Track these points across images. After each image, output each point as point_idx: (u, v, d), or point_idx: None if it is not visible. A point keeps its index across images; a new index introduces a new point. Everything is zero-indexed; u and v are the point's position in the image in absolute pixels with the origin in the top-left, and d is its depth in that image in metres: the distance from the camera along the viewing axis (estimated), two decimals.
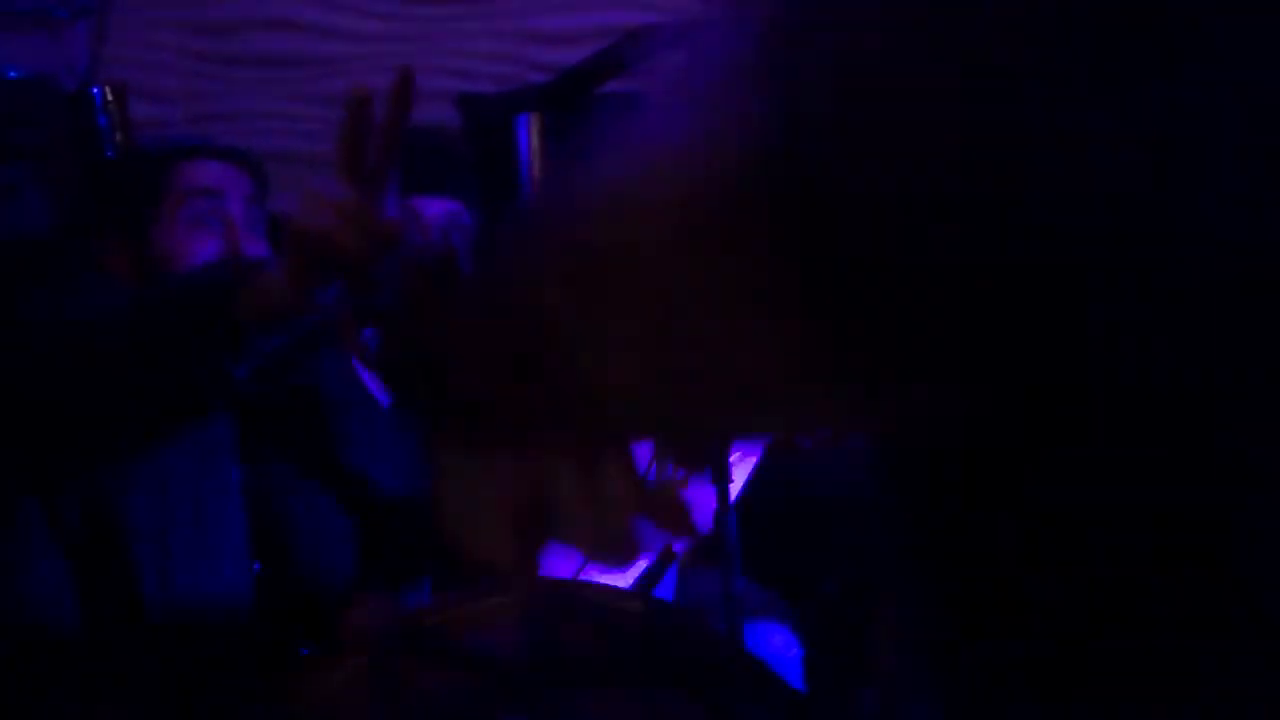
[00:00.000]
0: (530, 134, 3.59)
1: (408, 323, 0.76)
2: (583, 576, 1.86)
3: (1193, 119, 0.49)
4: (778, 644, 1.81)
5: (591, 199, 0.51)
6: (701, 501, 1.95)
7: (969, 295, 0.50)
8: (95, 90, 3.25)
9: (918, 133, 0.45)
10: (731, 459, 2.01)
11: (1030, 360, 0.58)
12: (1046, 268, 0.48)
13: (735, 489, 2.00)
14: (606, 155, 0.52)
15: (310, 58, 3.92)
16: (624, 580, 1.89)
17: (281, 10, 3.89)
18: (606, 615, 0.97)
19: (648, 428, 0.56)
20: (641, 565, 1.91)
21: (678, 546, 1.93)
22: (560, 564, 1.84)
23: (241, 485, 1.67)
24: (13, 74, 2.87)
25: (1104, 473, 0.74)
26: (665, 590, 1.95)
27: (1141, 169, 0.47)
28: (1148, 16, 0.50)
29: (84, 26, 3.43)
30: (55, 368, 1.31)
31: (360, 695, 1.31)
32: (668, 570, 1.91)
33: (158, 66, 3.84)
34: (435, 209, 1.90)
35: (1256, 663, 0.71)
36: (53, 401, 1.32)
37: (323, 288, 1.24)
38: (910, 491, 0.79)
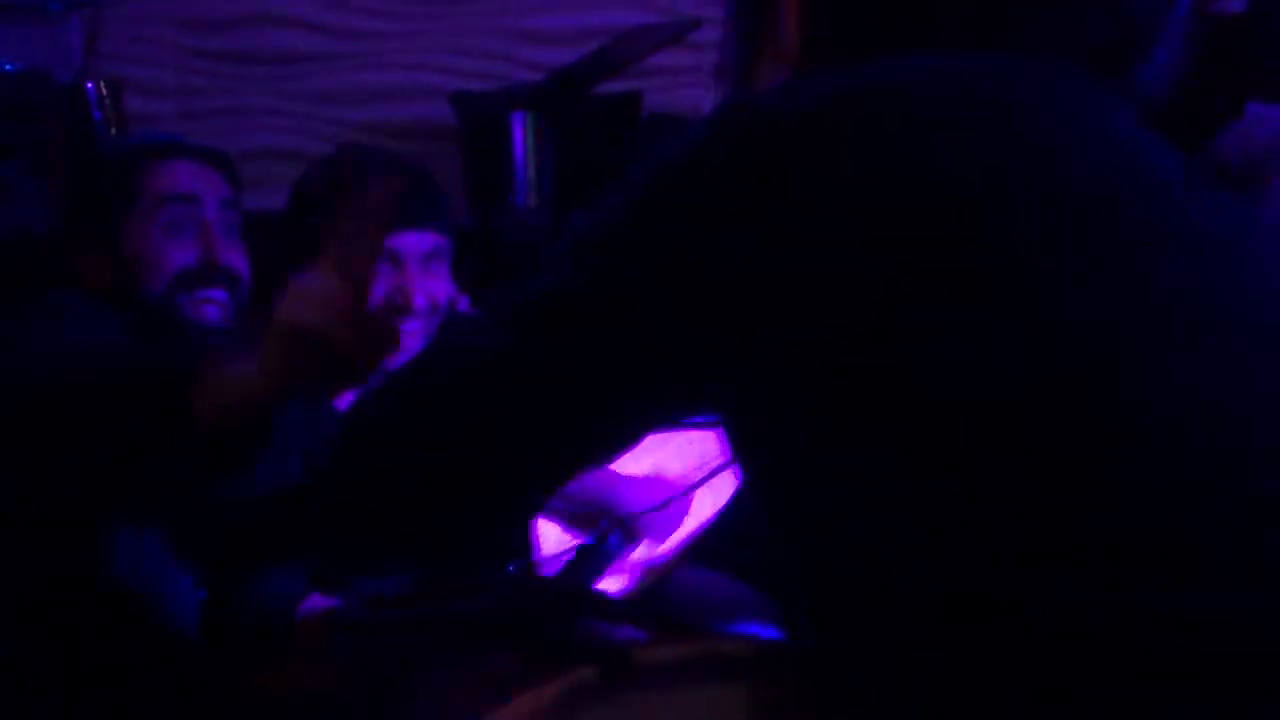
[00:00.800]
0: (524, 132, 3.61)
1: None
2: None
3: None
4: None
5: None
6: (697, 509, 1.96)
7: None
8: (89, 85, 3.25)
9: None
10: (717, 471, 2.01)
11: None
12: None
13: (723, 498, 2.01)
14: None
15: (303, 54, 3.92)
16: (556, 562, 1.89)
17: (275, 6, 3.88)
18: None
19: None
20: (572, 546, 1.90)
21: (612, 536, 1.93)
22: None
23: None
24: (8, 67, 2.86)
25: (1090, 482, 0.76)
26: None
27: None
28: None
29: (78, 20, 3.42)
30: (47, 400, 1.30)
31: (337, 679, 1.33)
32: (603, 555, 1.90)
33: (152, 61, 3.84)
34: (416, 242, 1.80)
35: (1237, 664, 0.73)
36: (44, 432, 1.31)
37: (305, 387, 1.18)
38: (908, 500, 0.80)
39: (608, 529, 1.90)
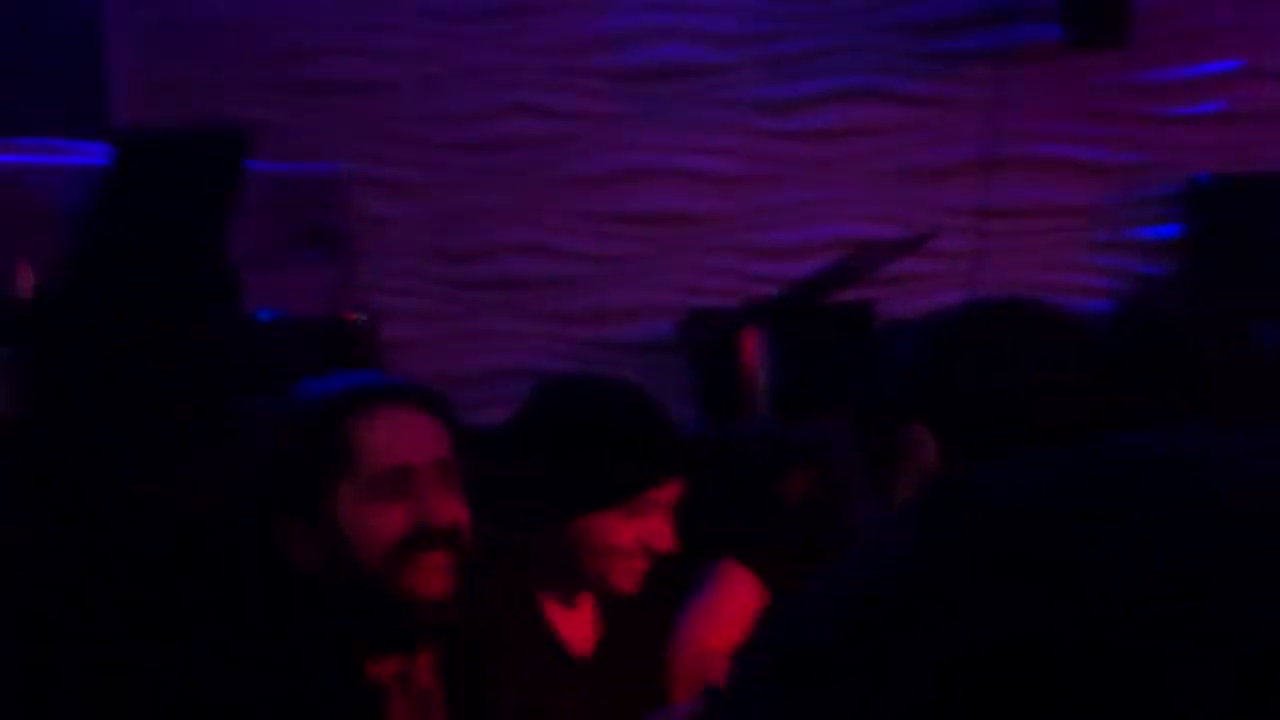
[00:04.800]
0: (756, 347, 3.64)
1: None
2: None
3: None
4: None
5: None
6: None
7: None
8: (348, 318, 3.48)
9: None
10: None
11: None
12: None
13: None
14: None
15: (546, 279, 4.11)
16: None
17: (517, 235, 4.10)
18: None
19: None
20: None
21: None
22: None
23: None
24: (264, 316, 3.09)
25: None
26: None
27: None
28: None
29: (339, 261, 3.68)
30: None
31: None
32: None
33: (407, 291, 4.09)
34: (673, 492, 1.69)
35: None
36: None
37: None
38: None
39: None
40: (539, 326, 4.10)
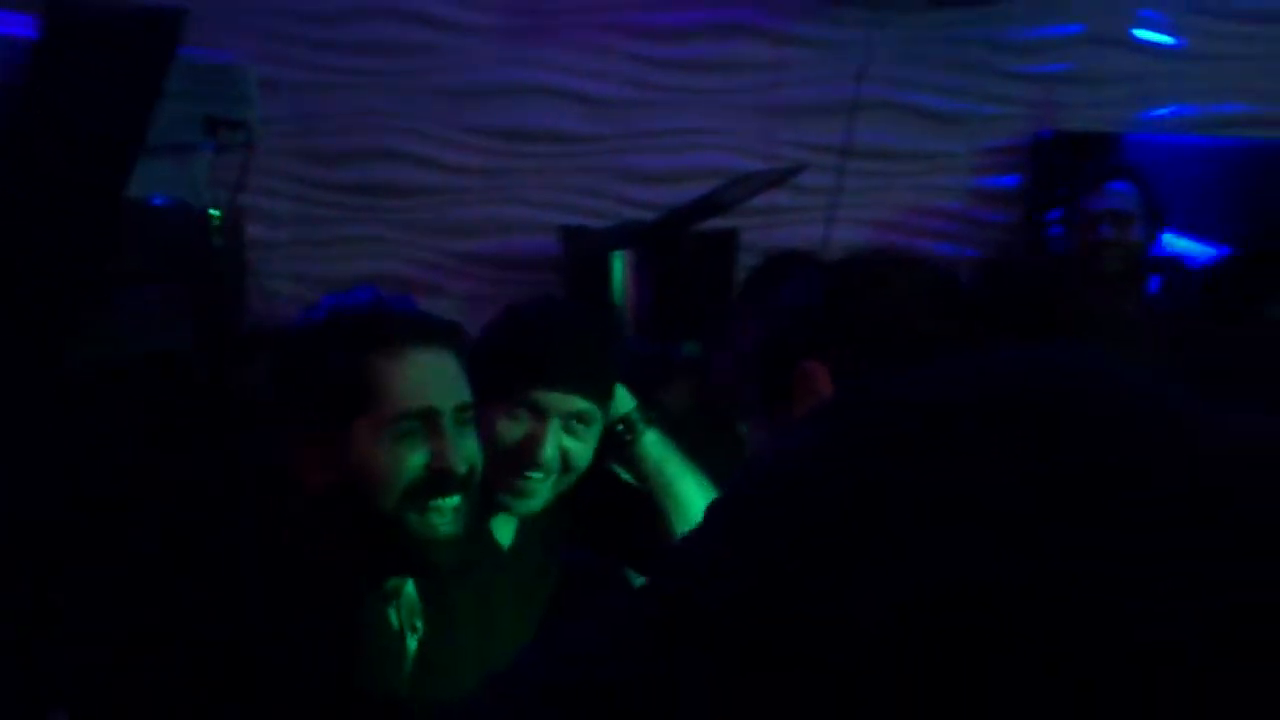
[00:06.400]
0: (627, 267, 3.73)
1: None
2: None
3: None
4: None
5: None
6: None
7: None
8: (212, 212, 3.41)
9: None
10: None
11: None
12: None
13: None
14: None
15: (415, 188, 4.10)
16: None
17: (389, 142, 4.07)
18: None
19: None
20: None
21: None
22: None
23: None
24: (157, 200, 3.02)
25: None
26: None
27: None
28: None
29: (210, 154, 3.60)
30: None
31: None
32: None
33: (271, 191, 4.02)
34: (560, 401, 1.77)
35: None
36: None
37: None
38: None
39: None
40: (404, 235, 4.09)
